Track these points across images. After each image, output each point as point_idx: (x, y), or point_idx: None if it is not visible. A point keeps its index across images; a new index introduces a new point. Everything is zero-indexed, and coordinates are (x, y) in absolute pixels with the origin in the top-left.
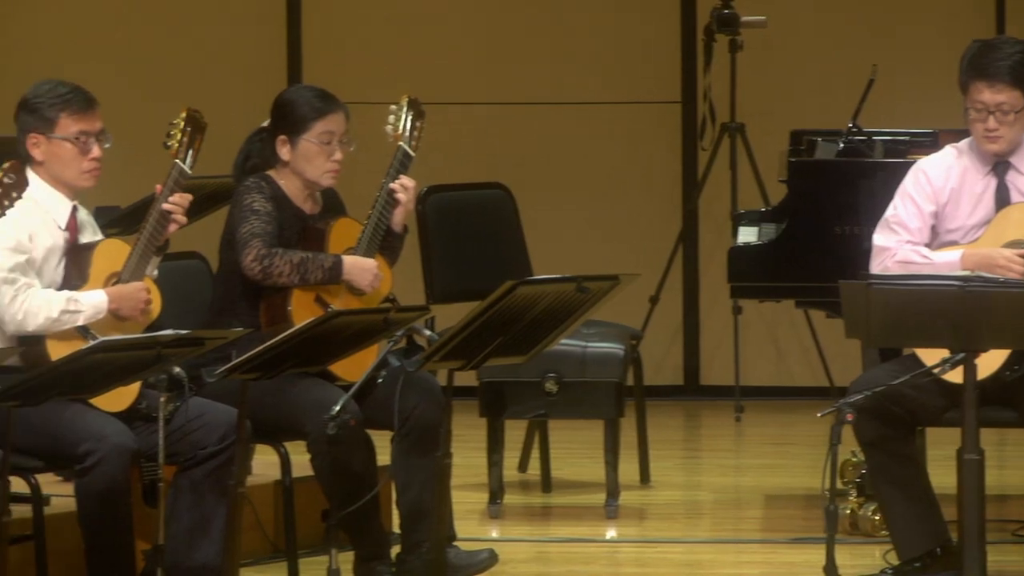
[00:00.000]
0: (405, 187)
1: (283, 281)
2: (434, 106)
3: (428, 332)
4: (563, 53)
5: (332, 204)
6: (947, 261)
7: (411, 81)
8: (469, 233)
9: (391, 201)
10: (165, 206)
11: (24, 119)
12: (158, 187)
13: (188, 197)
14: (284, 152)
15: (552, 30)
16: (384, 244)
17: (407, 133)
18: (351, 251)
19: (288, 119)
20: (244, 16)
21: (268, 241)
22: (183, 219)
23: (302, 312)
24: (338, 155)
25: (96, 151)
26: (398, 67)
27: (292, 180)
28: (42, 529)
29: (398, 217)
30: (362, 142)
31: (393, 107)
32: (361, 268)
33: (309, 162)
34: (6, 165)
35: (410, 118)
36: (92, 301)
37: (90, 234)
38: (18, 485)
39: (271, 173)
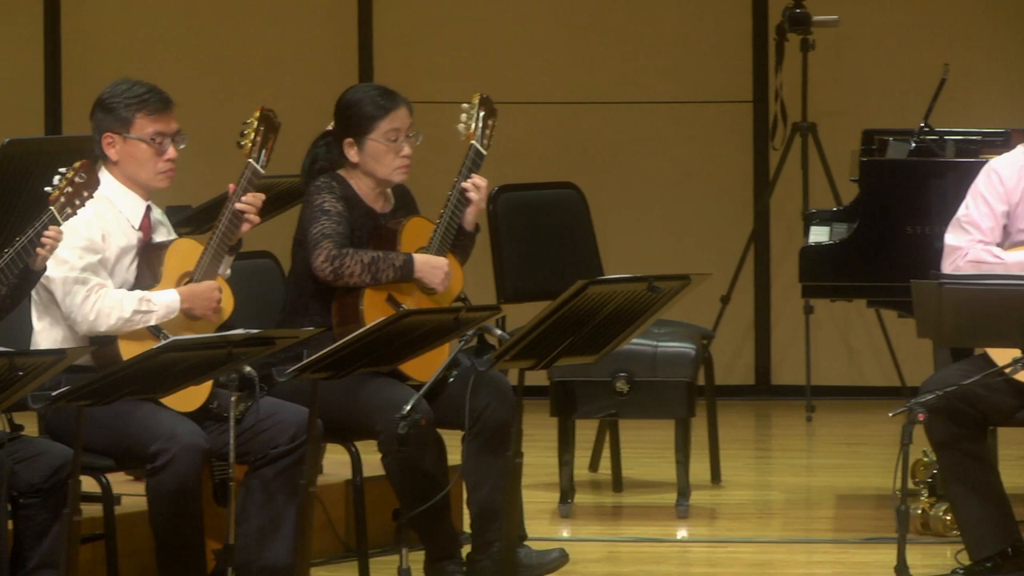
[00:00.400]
0: (477, 186)
1: (354, 281)
2: (505, 105)
3: (499, 331)
4: (634, 52)
5: (404, 202)
6: (1019, 261)
7: (482, 80)
8: (540, 232)
9: (463, 200)
10: (238, 205)
11: (100, 118)
12: (231, 186)
13: (261, 196)
14: (352, 154)
15: (624, 29)
16: (456, 243)
17: (479, 132)
18: (423, 250)
19: (352, 121)
20: (316, 16)
21: (339, 242)
22: (256, 218)
23: (374, 312)
24: (406, 150)
25: (171, 152)
26: (469, 67)
27: (363, 180)
28: (113, 528)
29: (470, 216)
30: (434, 141)
31: (465, 105)
32: (432, 266)
33: (378, 161)
34: (77, 164)
35: (482, 117)
36: (164, 301)
37: (164, 234)
38: (89, 484)
39: (342, 172)
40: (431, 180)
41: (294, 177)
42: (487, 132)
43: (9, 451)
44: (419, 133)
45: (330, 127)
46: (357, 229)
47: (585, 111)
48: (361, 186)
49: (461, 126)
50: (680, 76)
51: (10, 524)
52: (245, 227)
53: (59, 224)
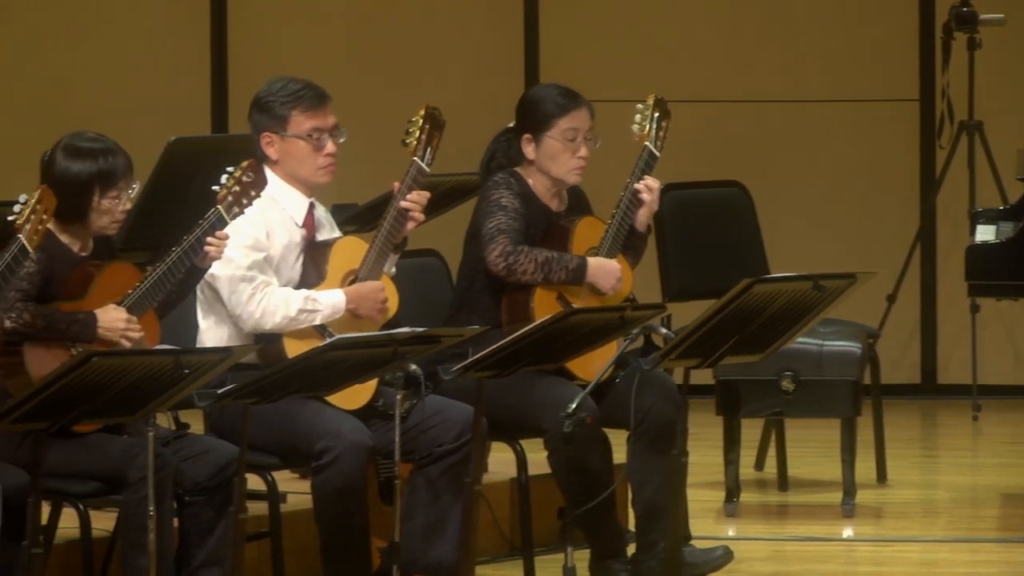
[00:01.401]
0: (650, 188)
1: (526, 279)
2: (670, 104)
3: (664, 330)
4: (800, 51)
5: (578, 202)
6: None
7: (645, 79)
8: (706, 231)
9: (635, 201)
10: (403, 204)
11: (257, 118)
12: (396, 184)
13: (426, 195)
14: (529, 151)
15: (789, 28)
16: (627, 244)
17: (653, 133)
18: (594, 251)
19: (532, 117)
20: (482, 15)
21: (514, 238)
22: (421, 216)
23: (544, 310)
24: (583, 151)
25: (330, 147)
26: (632, 65)
27: (539, 178)
28: (279, 526)
29: (642, 217)
30: (601, 141)
31: (639, 106)
32: (605, 271)
33: (554, 159)
34: (244, 163)
35: (656, 118)
36: (330, 301)
37: (327, 231)
38: (255, 482)
39: (519, 170)
40: (603, 180)
41: (459, 175)
42: (661, 134)
43: (175, 449)
44: (598, 137)
45: (511, 124)
46: (531, 226)
47: (751, 110)
48: (537, 184)
49: (635, 127)
50: (847, 74)
51: (176, 522)
52: (410, 225)
53: (226, 223)
